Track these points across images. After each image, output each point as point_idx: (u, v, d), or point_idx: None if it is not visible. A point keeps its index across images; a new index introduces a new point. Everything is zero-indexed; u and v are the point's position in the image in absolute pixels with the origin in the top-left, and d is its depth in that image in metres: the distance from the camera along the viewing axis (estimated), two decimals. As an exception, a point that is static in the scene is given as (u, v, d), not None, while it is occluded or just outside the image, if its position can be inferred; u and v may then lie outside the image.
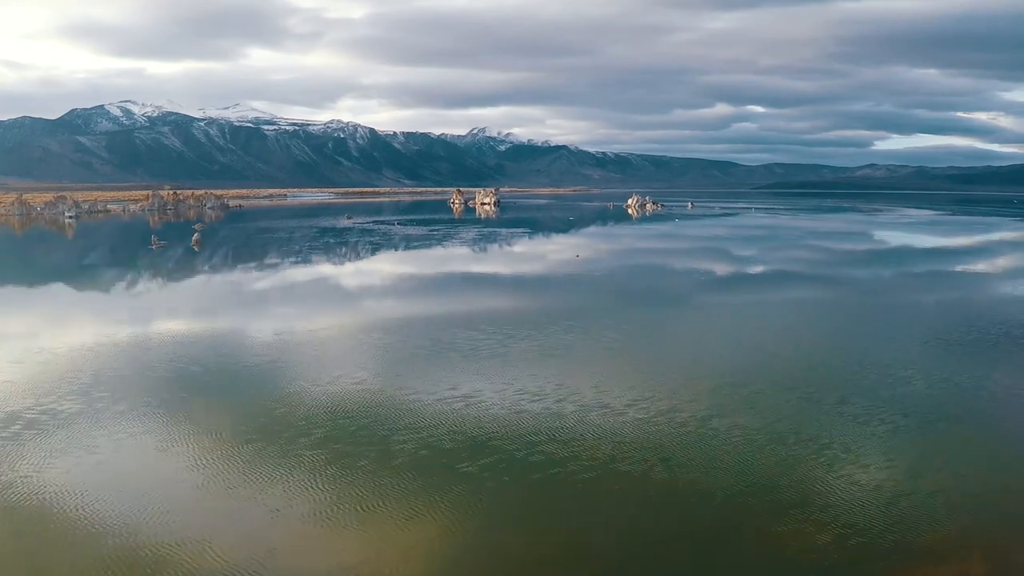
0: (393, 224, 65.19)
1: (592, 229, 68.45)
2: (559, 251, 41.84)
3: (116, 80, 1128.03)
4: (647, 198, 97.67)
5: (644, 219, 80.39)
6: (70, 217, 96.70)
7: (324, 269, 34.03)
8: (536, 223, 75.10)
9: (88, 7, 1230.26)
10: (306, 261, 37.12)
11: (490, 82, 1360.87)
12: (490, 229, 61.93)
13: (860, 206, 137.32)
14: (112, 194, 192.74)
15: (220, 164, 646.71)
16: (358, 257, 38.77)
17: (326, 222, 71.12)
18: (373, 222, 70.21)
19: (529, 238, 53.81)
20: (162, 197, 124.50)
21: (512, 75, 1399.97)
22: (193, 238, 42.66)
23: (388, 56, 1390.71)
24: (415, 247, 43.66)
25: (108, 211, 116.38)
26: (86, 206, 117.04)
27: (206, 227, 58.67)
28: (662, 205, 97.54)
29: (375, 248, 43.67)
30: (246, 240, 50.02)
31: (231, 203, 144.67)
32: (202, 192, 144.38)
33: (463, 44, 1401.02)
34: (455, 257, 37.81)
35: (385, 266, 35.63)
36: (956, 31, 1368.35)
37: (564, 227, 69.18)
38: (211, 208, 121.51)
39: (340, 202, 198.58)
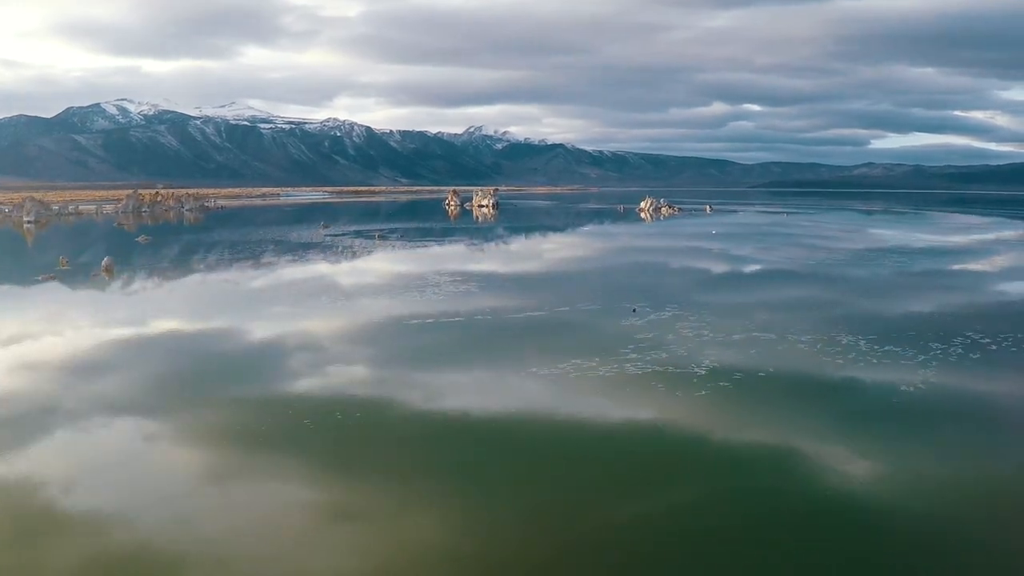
0: (373, 236, 52.48)
1: (617, 243, 52.88)
2: (600, 293, 26.50)
3: (111, 79, 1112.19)
4: (661, 200, 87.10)
5: (667, 225, 68.57)
6: (29, 221, 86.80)
7: (229, 336, 20.25)
8: (545, 232, 64.51)
9: (84, 6, 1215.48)
10: (220, 313, 23.71)
11: (486, 80, 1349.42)
12: (492, 244, 50.58)
13: (893, 208, 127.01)
14: (102, 193, 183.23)
15: (216, 163, 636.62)
16: (298, 306, 24.40)
17: (298, 232, 59.78)
18: (351, 232, 57.53)
19: (545, 262, 39.24)
20: (139, 198, 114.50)
21: (508, 73, 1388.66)
22: (103, 263, 31.71)
23: (384, 54, 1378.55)
24: (386, 281, 29.61)
25: (80, 213, 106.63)
26: (56, 207, 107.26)
27: (152, 240, 48.14)
28: (679, 208, 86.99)
29: (329, 284, 29.34)
30: (177, 263, 37.12)
31: (215, 203, 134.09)
32: (183, 192, 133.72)
33: (459, 42, 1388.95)
34: (441, 311, 22.93)
35: (330, 329, 20.89)
36: (954, 30, 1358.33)
37: (581, 239, 55.42)
38: (190, 210, 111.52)
39: (334, 201, 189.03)
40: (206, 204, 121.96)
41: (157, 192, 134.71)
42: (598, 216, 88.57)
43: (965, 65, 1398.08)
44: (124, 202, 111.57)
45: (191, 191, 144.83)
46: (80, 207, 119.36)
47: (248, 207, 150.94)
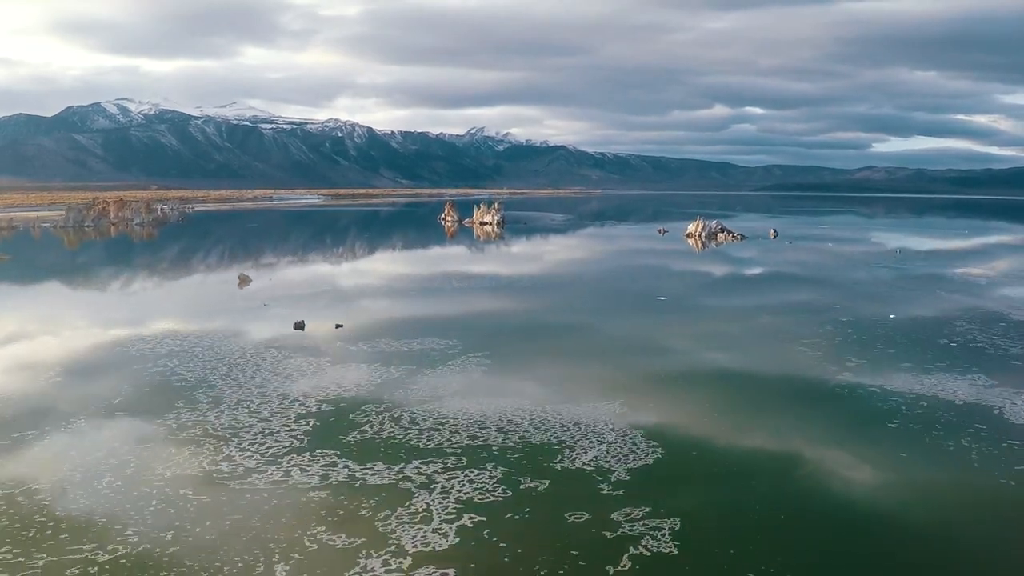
0: (318, 311, 29.43)
1: (712, 314, 27.11)
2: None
3: (110, 78, 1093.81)
4: (715, 223, 66.41)
5: (755, 269, 42.96)
6: (-81, 242, 66.99)
7: None
8: (572, 271, 44.40)
9: (81, 3, 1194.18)
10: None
11: (487, 81, 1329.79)
12: (500, 311, 30.21)
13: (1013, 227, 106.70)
14: (94, 194, 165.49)
15: (217, 163, 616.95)
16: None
17: (214, 282, 39.38)
18: (282, 298, 29.06)
19: (608, 364, 18.63)
20: (81, 208, 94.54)
21: (509, 74, 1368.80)
22: None
23: (383, 54, 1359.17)
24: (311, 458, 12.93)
25: (14, 225, 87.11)
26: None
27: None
28: (741, 236, 65.50)
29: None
30: None
31: (192, 208, 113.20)
32: (138, 197, 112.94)
33: (458, 43, 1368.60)
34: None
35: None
36: (957, 33, 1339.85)
37: (641, 296, 32.18)
38: (140, 224, 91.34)
39: (326, 206, 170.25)
40: (160, 216, 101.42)
41: (120, 198, 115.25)
42: (637, 245, 67.05)
43: (968, 69, 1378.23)
44: (65, 215, 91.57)
45: (140, 197, 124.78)
46: (15, 217, 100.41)
47: (229, 212, 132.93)
